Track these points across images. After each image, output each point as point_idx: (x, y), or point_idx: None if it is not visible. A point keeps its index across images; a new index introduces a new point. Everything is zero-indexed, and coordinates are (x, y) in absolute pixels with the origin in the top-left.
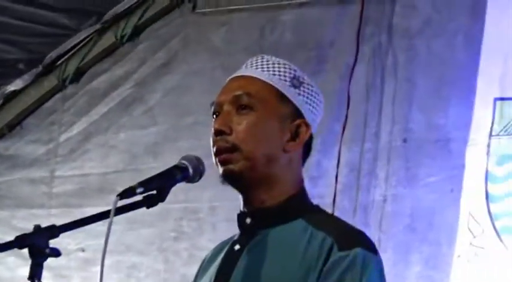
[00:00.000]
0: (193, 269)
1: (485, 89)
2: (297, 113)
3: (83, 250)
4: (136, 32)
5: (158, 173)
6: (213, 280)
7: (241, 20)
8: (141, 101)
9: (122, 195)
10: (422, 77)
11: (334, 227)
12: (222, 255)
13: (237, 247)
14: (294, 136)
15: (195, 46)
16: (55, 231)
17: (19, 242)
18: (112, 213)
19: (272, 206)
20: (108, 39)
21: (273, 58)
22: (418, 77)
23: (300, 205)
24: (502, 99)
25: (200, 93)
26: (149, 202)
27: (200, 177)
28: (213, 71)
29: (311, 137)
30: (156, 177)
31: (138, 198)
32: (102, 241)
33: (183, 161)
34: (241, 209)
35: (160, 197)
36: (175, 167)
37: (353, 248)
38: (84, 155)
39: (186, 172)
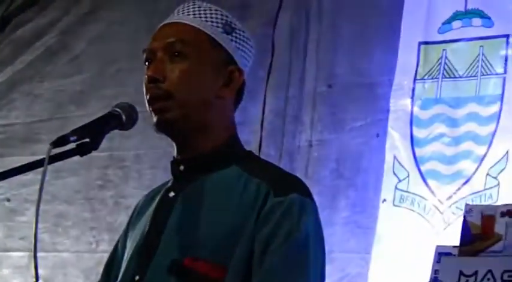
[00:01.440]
0: (120, 217)
1: (410, 33)
2: (230, 59)
3: (8, 200)
4: None
5: (91, 120)
6: (147, 227)
7: None
8: (66, 50)
9: (55, 143)
10: (347, 22)
11: (269, 173)
12: (155, 202)
13: (171, 194)
14: (227, 82)
15: None
16: None
17: None
18: (46, 161)
19: (205, 153)
20: None
21: (205, 4)
22: (342, 21)
23: (233, 151)
24: (426, 43)
25: (124, 40)
26: (82, 150)
27: (133, 124)
28: (137, 18)
29: (244, 83)
30: (89, 124)
31: (71, 146)
32: (27, 190)
33: (116, 109)
34: (175, 156)
35: (94, 145)
36: (109, 114)
37: (289, 194)
38: (9, 105)
39: (119, 119)
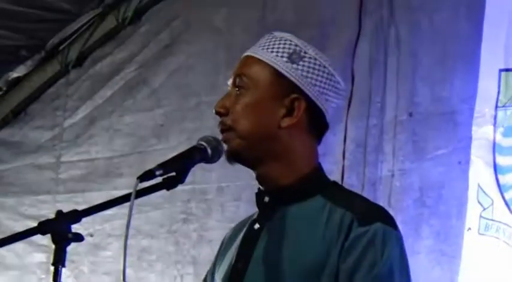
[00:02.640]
0: (204, 250)
1: (490, 60)
2: (295, 89)
3: (91, 235)
4: (138, 14)
5: (177, 154)
6: (234, 260)
7: None
8: (145, 84)
9: (142, 177)
10: (426, 50)
11: (353, 202)
12: (241, 234)
13: (256, 226)
14: (290, 111)
15: (197, 27)
16: (76, 215)
17: (42, 228)
18: (133, 195)
19: (289, 184)
20: (109, 22)
21: (280, 34)
22: (421, 50)
23: (317, 182)
24: (507, 70)
25: (203, 73)
26: (169, 184)
27: (219, 157)
28: (215, 51)
29: (320, 112)
30: (175, 158)
31: (157, 180)
32: (109, 226)
33: (202, 142)
34: (260, 187)
35: (180, 179)
36: (194, 148)
37: (373, 223)
38: (90, 140)
39: (204, 153)
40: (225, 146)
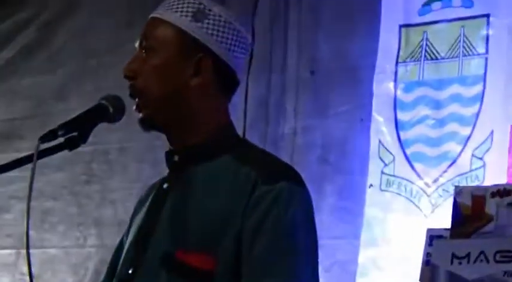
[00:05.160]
0: (106, 211)
1: (390, 15)
2: (201, 48)
3: None
4: None
5: (79, 114)
6: (143, 219)
7: None
8: (45, 45)
9: (44, 138)
10: (327, 6)
11: (259, 161)
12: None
13: (165, 185)
14: (197, 71)
15: None
16: None
17: None
18: (35, 157)
19: (197, 143)
20: None
21: None
22: (322, 5)
23: (225, 140)
24: (407, 25)
25: (103, 34)
26: (71, 144)
27: (121, 116)
28: (116, 11)
29: (228, 68)
30: (77, 118)
31: (59, 141)
32: (11, 188)
33: (103, 101)
34: (169, 147)
35: (82, 139)
36: (96, 107)
37: (278, 182)
38: None
39: (106, 112)
40: (137, 114)
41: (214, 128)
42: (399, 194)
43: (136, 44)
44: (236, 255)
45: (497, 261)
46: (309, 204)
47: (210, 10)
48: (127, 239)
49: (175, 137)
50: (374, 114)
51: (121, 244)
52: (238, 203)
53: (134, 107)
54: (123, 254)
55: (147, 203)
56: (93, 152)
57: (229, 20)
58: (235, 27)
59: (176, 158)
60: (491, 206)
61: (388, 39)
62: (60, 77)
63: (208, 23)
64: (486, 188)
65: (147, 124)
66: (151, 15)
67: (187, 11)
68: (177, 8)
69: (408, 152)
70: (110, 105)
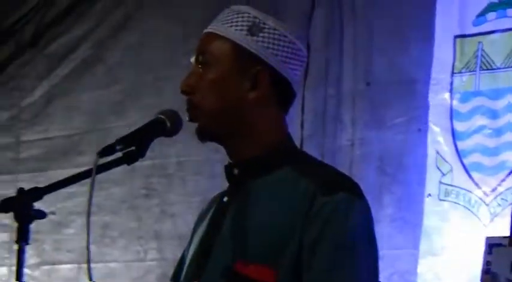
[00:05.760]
0: (166, 225)
1: (445, 27)
2: (257, 61)
3: (53, 213)
4: None
5: (137, 128)
6: (204, 232)
7: None
8: (101, 61)
9: (102, 153)
10: (381, 20)
11: (317, 173)
12: (214, 208)
13: (226, 199)
14: (254, 85)
15: (151, 3)
16: (39, 193)
17: (4, 206)
18: (94, 171)
19: (256, 156)
20: (63, 1)
21: (238, 8)
22: (376, 19)
23: (284, 153)
24: (461, 36)
25: (159, 49)
26: (129, 158)
27: (178, 131)
28: (171, 27)
29: (285, 81)
30: (134, 133)
31: (117, 155)
32: (71, 203)
33: (160, 115)
34: (229, 160)
35: (140, 153)
36: (153, 121)
37: (336, 193)
38: (48, 119)
39: (163, 126)
40: (196, 124)
41: (273, 141)
42: (457, 204)
43: (192, 59)
44: (296, 267)
45: None
46: (368, 214)
47: (264, 23)
48: (188, 252)
49: (234, 149)
50: (430, 124)
51: (183, 258)
52: (298, 215)
53: (188, 119)
54: (185, 267)
55: (208, 217)
56: (151, 166)
57: (284, 33)
58: (290, 39)
59: (236, 171)
60: None
61: (443, 50)
62: (117, 92)
63: (263, 37)
64: None
65: (203, 134)
66: (206, 30)
67: (242, 25)
68: (232, 22)
69: (466, 161)
70: (168, 119)
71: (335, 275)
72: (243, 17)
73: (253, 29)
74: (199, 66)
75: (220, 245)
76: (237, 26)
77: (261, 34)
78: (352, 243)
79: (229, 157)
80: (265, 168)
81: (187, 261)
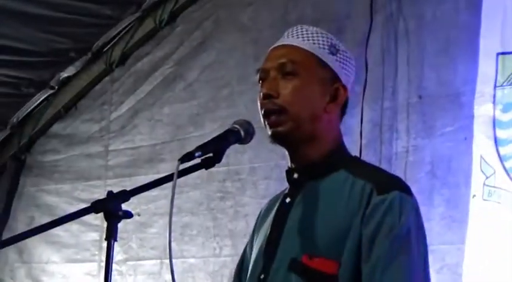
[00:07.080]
0: (239, 224)
1: (488, 45)
2: (335, 78)
3: (138, 215)
4: (173, 16)
5: (214, 137)
6: (268, 232)
7: None
8: (181, 78)
9: (183, 159)
10: (431, 40)
11: (372, 174)
12: (275, 208)
13: (288, 200)
14: (333, 98)
15: (226, 25)
16: (126, 195)
17: (96, 207)
18: (175, 175)
19: (316, 161)
20: (148, 25)
21: (311, 28)
22: (427, 39)
23: (340, 158)
24: (503, 53)
25: (233, 67)
26: (207, 164)
27: (251, 138)
28: (243, 46)
29: (347, 98)
30: (212, 141)
31: (196, 161)
32: (154, 206)
33: (235, 125)
34: (289, 165)
35: (217, 158)
36: (228, 130)
37: (391, 191)
38: (134, 130)
39: (238, 134)
40: (269, 130)
41: (333, 147)
42: (499, 203)
43: (266, 66)
44: (356, 260)
45: None
46: (418, 211)
47: (339, 46)
48: (251, 249)
49: (300, 154)
50: (475, 133)
51: (245, 251)
52: (357, 212)
53: (268, 123)
54: (252, 262)
55: (271, 216)
56: (226, 172)
57: (351, 56)
58: (353, 63)
59: (296, 175)
60: None
61: (486, 66)
62: (195, 106)
63: (340, 57)
64: None
65: (280, 139)
66: (285, 43)
67: (323, 44)
68: (313, 39)
69: (507, 165)
70: (242, 128)
71: (391, 262)
72: (322, 36)
73: (332, 49)
74: (283, 75)
75: (286, 241)
76: (319, 44)
77: (338, 54)
78: (407, 234)
79: (290, 161)
80: (323, 171)
81: (254, 256)
